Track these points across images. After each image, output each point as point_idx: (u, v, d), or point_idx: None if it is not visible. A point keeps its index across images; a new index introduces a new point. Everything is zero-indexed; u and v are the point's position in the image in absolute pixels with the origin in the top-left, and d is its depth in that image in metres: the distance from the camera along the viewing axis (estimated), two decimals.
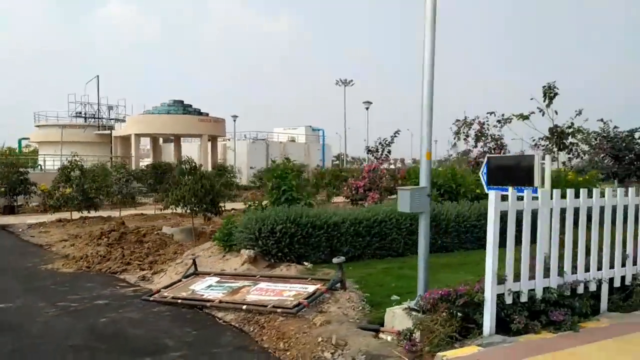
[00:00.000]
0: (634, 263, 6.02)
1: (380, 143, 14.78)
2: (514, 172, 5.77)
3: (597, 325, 5.33)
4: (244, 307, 6.27)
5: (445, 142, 14.20)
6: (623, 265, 5.96)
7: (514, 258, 5.16)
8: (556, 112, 14.29)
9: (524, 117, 14.02)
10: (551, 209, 5.43)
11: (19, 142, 54.79)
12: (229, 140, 48.31)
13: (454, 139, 13.90)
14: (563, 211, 5.53)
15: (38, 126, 45.99)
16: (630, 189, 6.23)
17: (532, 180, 5.54)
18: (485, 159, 6.35)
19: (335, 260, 6.87)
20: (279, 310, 5.99)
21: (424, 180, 5.94)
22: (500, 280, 5.10)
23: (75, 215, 18.23)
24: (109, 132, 43.74)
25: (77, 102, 47.66)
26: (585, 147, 19.99)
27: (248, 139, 49.38)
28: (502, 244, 5.11)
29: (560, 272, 5.48)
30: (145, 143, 49.65)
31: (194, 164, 12.50)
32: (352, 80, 52.35)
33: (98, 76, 46.25)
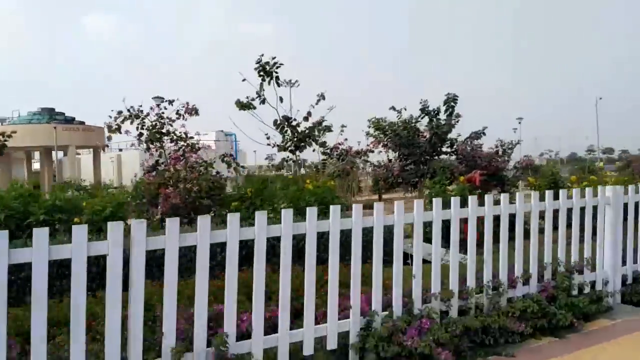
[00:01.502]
0: None
1: None
2: None
3: None
4: None
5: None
6: None
7: None
8: (281, 99, 10.99)
9: (245, 106, 10.64)
10: None
11: None
12: (120, 150, 44.24)
13: (107, 137, 10.35)
14: None
15: None
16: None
17: None
18: None
19: None
20: None
21: None
22: None
23: None
24: None
25: None
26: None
27: (141, 149, 45.29)
28: None
29: None
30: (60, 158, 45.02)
31: None
32: (297, 81, 48.07)
33: None
